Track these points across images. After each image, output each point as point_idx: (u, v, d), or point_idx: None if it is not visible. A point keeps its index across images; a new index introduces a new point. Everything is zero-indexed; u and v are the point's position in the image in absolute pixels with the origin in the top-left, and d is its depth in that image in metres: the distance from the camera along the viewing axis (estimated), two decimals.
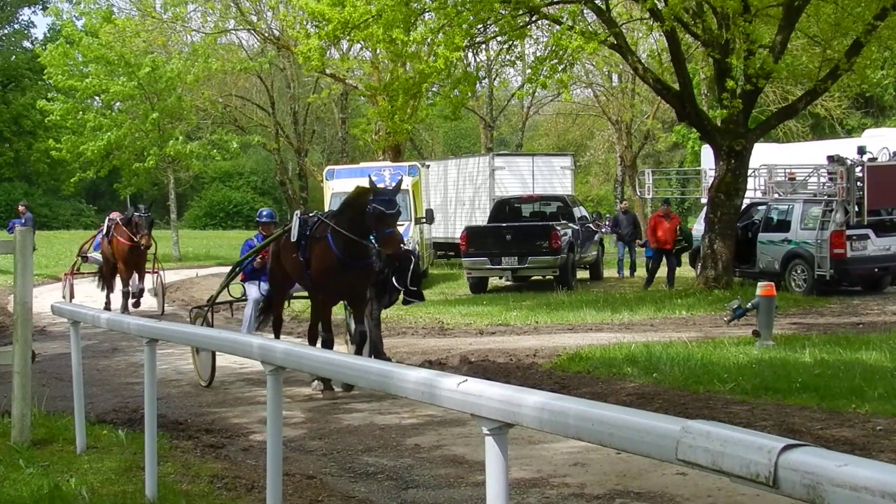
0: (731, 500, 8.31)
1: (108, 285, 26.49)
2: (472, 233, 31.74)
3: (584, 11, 27.83)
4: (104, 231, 26.11)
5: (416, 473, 9.82)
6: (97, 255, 27.22)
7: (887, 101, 65.61)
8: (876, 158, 28.09)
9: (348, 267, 13.83)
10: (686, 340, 17.93)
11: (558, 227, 30.57)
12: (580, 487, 9.04)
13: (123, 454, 10.36)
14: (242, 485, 9.18)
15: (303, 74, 54.80)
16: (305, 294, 15.95)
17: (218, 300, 17.09)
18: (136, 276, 25.68)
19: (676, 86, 28.57)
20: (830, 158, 27.20)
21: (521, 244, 30.25)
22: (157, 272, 26.89)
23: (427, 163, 45.89)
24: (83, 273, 29.31)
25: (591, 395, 12.87)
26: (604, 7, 27.47)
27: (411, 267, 15.60)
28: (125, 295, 25.53)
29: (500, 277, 32.96)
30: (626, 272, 35.44)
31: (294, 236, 14.32)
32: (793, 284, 26.86)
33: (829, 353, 15.81)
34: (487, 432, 4.82)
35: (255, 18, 50.72)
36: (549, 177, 40.21)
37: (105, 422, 12.31)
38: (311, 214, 14.94)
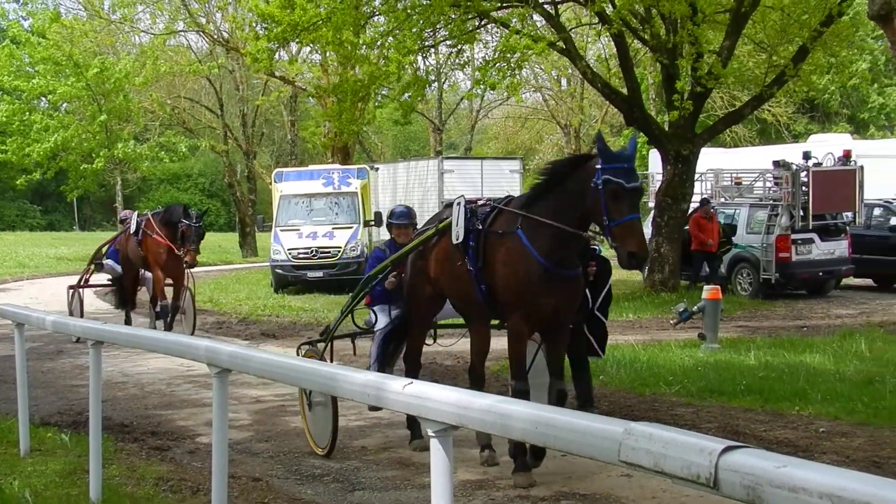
0: (675, 502, 8.38)
1: (128, 300, 21.66)
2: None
3: (533, 16, 27.91)
4: (132, 229, 20.55)
5: (362, 475, 9.83)
6: (114, 264, 21.83)
7: (833, 106, 66.29)
8: (821, 163, 28.33)
9: (554, 277, 9.23)
10: (632, 343, 18.02)
11: None
12: (526, 489, 9.07)
13: (68, 457, 10.30)
14: (188, 487, 9.15)
15: (252, 76, 54.62)
16: (458, 321, 11.63)
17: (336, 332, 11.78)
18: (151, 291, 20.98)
19: (625, 90, 28.69)
20: (776, 163, 27.41)
21: None
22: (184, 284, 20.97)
23: (376, 165, 45.90)
24: (92, 285, 23.61)
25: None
26: (552, 11, 27.56)
27: (608, 286, 11.13)
28: (164, 310, 20.20)
29: None
30: None
31: (459, 236, 9.79)
32: (738, 288, 27.06)
33: (774, 356, 15.96)
34: (433, 434, 4.84)
35: (204, 20, 50.47)
36: (498, 180, 40.23)
37: (49, 424, 12.21)
38: (481, 203, 10.38)
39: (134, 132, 55.47)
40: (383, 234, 40.26)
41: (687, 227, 27.32)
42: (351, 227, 33.52)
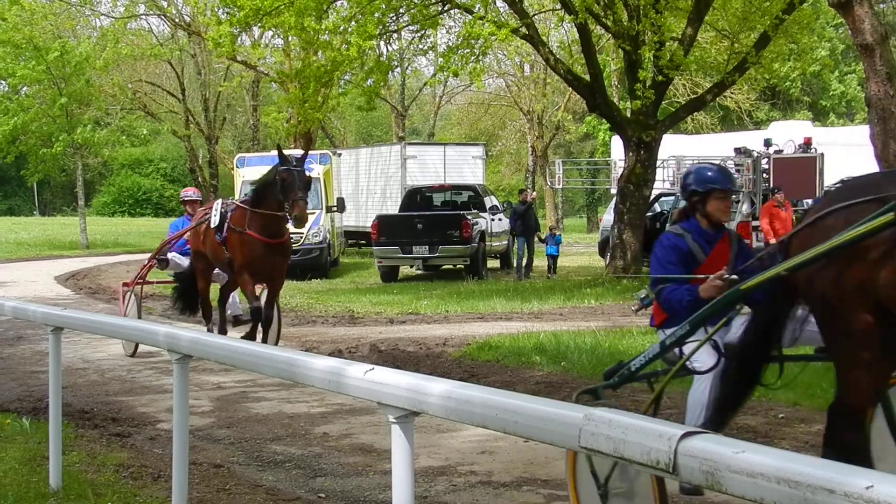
0: None
1: (205, 310, 16.86)
2: (383, 221, 31.71)
3: (496, 1, 27.94)
4: (214, 222, 15.32)
5: (324, 462, 9.80)
6: (181, 260, 17.66)
7: (794, 94, 66.68)
8: (782, 151, 28.49)
9: None
10: (594, 329, 18.04)
11: (469, 217, 30.65)
12: (487, 475, 9.07)
13: (27, 443, 10.23)
14: (149, 474, 9.12)
15: (214, 61, 54.37)
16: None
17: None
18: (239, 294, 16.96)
19: (587, 77, 28.72)
20: (737, 150, 27.56)
21: (432, 233, 30.31)
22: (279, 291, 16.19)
23: (339, 151, 45.83)
24: (151, 280, 19.32)
25: (500, 383, 12.92)
26: None
27: None
28: (257, 313, 15.09)
29: (411, 266, 32.98)
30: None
31: None
32: None
33: None
34: (394, 420, 4.83)
35: (165, 3, 50.21)
36: (461, 166, 40.32)
37: (9, 411, 12.13)
38: None
39: (95, 116, 55.11)
40: (346, 220, 40.25)
41: (757, 223, 26.62)
42: (313, 213, 33.46)
